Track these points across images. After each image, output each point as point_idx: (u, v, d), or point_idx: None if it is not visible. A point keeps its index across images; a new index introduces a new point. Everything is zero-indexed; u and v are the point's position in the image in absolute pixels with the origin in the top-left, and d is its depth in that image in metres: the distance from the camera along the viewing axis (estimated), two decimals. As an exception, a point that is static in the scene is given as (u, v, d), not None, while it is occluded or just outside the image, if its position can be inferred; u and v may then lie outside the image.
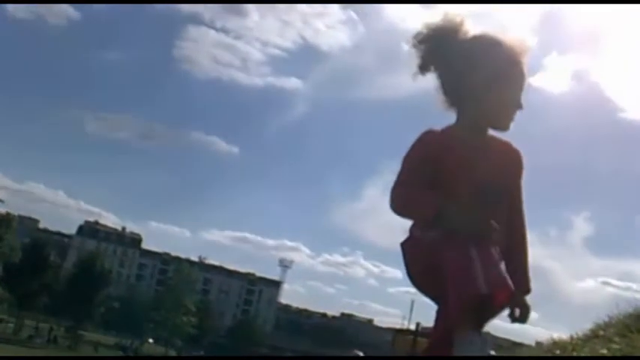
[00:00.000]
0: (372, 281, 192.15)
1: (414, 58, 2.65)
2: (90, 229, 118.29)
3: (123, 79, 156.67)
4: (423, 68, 2.65)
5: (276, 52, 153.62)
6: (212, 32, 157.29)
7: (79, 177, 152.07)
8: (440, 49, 2.63)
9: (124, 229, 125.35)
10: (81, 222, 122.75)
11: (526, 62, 2.62)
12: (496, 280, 2.47)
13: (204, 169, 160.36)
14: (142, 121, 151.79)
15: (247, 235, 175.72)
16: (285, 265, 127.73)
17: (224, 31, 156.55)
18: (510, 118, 2.65)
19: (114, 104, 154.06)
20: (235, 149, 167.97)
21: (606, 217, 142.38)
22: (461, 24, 2.63)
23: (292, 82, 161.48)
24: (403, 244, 2.70)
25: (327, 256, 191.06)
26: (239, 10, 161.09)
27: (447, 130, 2.63)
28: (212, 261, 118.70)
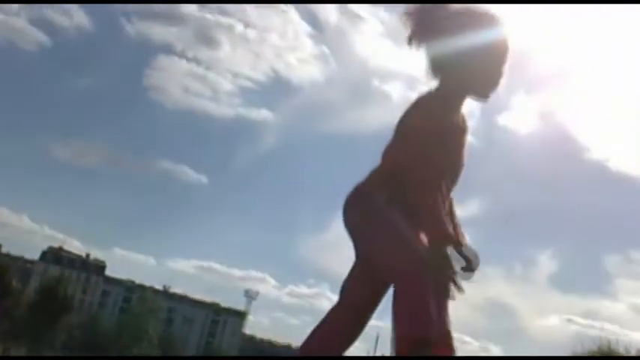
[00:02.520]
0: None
1: (404, 32, 2.76)
2: (54, 255, 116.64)
3: (92, 106, 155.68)
4: (411, 41, 2.75)
5: (248, 83, 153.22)
6: (183, 62, 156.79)
7: (45, 202, 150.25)
8: (426, 22, 2.73)
9: (88, 255, 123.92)
10: (45, 247, 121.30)
11: (509, 34, 2.72)
12: (444, 335, 2.51)
13: (172, 198, 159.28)
14: (110, 148, 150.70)
15: (213, 264, 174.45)
16: (250, 295, 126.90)
17: (195, 61, 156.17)
18: (493, 87, 2.74)
19: (82, 131, 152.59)
20: (204, 178, 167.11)
21: (571, 254, 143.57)
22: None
23: (262, 114, 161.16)
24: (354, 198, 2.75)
25: (292, 287, 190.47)
26: (211, 41, 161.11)
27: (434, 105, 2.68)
28: (177, 290, 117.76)
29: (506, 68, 2.73)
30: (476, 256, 2.57)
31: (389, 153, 2.75)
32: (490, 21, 2.69)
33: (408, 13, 2.76)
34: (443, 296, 2.52)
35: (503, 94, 2.79)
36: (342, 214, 2.75)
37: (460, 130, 2.74)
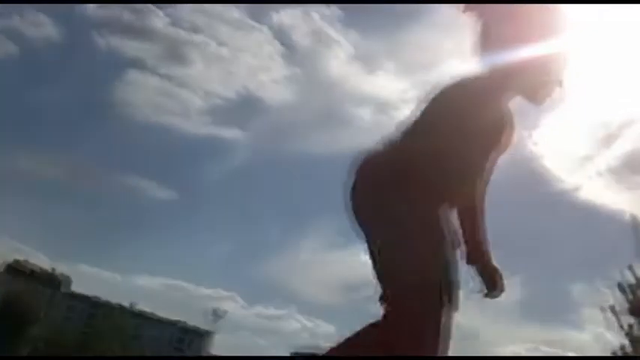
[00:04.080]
0: (305, 335, 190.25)
1: None
2: (19, 268, 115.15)
3: (59, 118, 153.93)
4: (468, 7, 2.49)
5: (219, 101, 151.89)
6: (154, 78, 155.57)
7: (11, 214, 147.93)
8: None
9: (53, 269, 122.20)
10: (10, 260, 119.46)
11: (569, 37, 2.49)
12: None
13: (139, 214, 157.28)
14: (77, 161, 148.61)
15: (181, 282, 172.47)
16: (218, 314, 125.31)
17: (167, 77, 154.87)
18: (549, 92, 2.53)
19: (48, 143, 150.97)
20: (173, 195, 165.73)
21: (538, 282, 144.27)
22: None
23: (233, 133, 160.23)
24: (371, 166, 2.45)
25: (260, 308, 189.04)
26: (183, 58, 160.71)
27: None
28: (143, 307, 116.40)
29: (564, 77, 2.51)
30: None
31: (416, 133, 2.42)
32: (561, 17, 2.45)
33: None
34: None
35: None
36: (352, 191, 2.39)
37: (501, 124, 2.49)
